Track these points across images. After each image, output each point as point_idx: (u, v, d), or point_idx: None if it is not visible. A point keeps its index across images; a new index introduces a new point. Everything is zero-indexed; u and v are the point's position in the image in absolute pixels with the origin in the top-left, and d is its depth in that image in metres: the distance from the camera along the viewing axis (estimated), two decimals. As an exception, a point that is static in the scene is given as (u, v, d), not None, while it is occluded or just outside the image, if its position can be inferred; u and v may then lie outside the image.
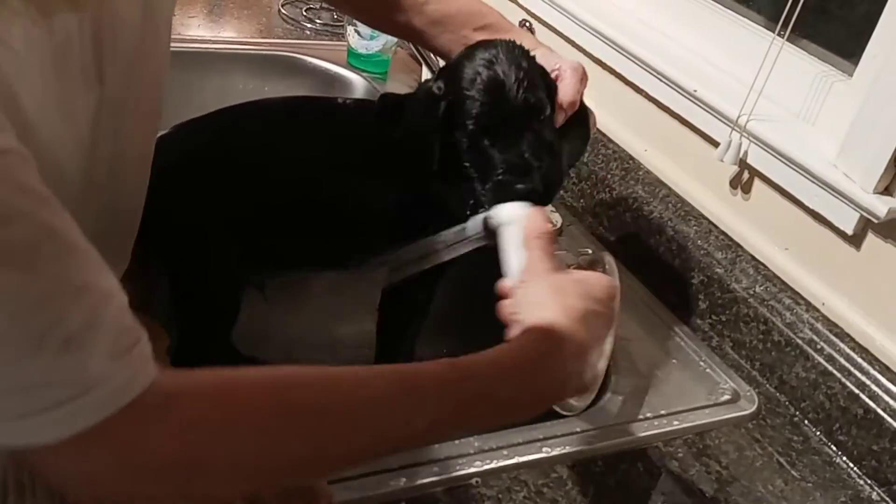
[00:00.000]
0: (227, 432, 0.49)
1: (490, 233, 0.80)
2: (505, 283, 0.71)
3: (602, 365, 0.74)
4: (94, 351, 0.45)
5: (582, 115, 0.93)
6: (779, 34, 1.05)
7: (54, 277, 0.44)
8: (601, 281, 0.70)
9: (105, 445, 0.46)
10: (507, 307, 0.68)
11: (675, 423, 0.93)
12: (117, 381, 0.45)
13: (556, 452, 0.85)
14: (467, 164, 0.88)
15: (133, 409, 0.45)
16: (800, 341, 0.99)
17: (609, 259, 1.07)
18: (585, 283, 0.68)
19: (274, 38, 1.68)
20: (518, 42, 0.91)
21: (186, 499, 0.50)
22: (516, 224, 0.75)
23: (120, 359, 0.46)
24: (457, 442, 0.84)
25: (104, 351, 0.45)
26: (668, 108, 1.19)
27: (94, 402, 0.44)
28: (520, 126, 0.86)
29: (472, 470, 0.81)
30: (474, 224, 0.83)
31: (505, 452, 0.84)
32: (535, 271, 0.69)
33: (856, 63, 1.02)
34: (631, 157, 1.25)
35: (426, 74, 1.52)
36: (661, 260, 1.16)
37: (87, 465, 0.46)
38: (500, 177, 0.85)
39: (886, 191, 0.94)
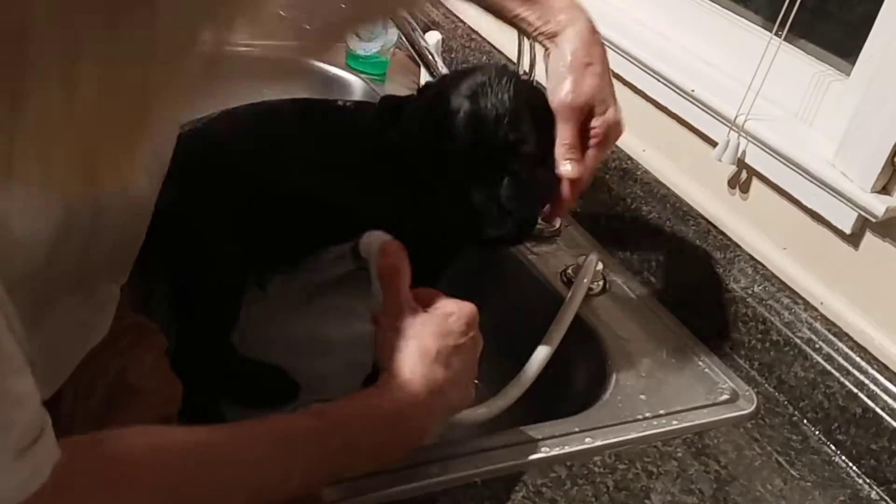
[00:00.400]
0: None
1: (359, 259, 0.80)
2: (373, 313, 0.74)
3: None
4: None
5: None
6: (776, 34, 1.05)
7: None
8: (456, 311, 0.72)
9: None
10: (375, 342, 0.71)
11: (674, 422, 0.93)
12: (21, 478, 0.47)
13: (554, 452, 0.85)
14: (450, 191, 0.88)
15: (37, 496, 0.47)
16: (798, 341, 0.99)
17: (592, 258, 1.07)
18: (439, 320, 0.71)
19: (272, 40, 1.68)
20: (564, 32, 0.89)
21: None
22: (374, 257, 0.76)
23: (23, 457, 0.47)
24: (456, 442, 0.84)
25: (9, 453, 0.46)
26: (666, 109, 1.19)
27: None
28: (498, 165, 0.85)
29: (472, 471, 0.81)
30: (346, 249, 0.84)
31: (504, 452, 0.84)
32: (390, 312, 0.71)
33: (853, 63, 1.02)
34: (629, 158, 1.25)
35: (424, 76, 1.52)
36: (659, 260, 1.16)
37: None
38: (473, 218, 0.85)
39: (884, 190, 0.94)
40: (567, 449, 0.86)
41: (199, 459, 0.56)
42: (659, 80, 1.19)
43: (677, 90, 1.16)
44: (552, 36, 0.90)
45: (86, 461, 0.52)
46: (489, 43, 1.54)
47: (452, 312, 0.72)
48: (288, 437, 0.60)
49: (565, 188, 0.88)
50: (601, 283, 1.13)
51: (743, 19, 1.19)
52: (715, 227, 1.13)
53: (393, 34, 1.60)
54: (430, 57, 1.37)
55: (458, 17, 1.64)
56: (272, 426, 0.61)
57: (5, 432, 0.46)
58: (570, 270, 1.13)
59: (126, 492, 0.52)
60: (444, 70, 1.37)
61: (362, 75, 1.60)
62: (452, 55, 1.61)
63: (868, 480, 0.92)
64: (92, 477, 0.52)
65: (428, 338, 0.69)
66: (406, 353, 0.68)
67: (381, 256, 0.75)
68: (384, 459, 0.69)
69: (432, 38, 1.52)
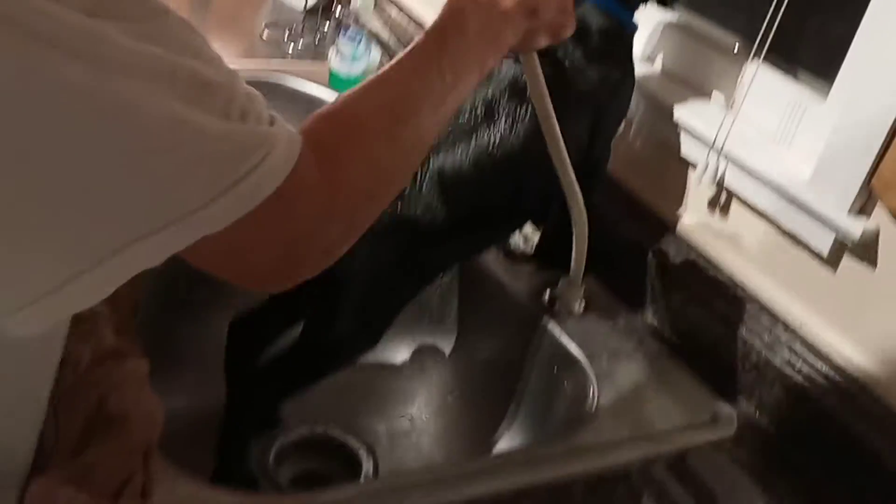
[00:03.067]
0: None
1: None
2: None
3: None
4: (260, 119, 0.50)
5: None
6: (755, 55, 1.06)
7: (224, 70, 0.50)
8: None
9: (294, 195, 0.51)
10: None
11: (656, 444, 0.93)
12: (284, 137, 0.51)
13: (538, 475, 0.85)
14: None
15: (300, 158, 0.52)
16: (778, 362, 1.00)
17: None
18: None
19: (256, 60, 1.69)
20: None
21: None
22: None
23: (273, 122, 0.52)
24: (439, 466, 0.84)
25: (264, 118, 0.51)
26: (645, 130, 1.20)
27: (279, 157, 0.50)
28: None
29: (455, 496, 0.81)
30: None
31: (487, 477, 0.84)
32: None
33: (830, 84, 1.03)
34: (610, 180, 1.25)
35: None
36: (639, 281, 1.17)
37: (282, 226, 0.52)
38: None
39: (861, 212, 0.95)
40: (550, 473, 0.86)
41: (397, 97, 0.64)
42: (639, 102, 1.19)
43: (657, 111, 1.16)
44: None
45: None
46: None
47: None
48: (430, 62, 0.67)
49: None
50: (583, 303, 1.13)
51: (723, 40, 1.20)
52: (696, 248, 1.14)
53: (377, 54, 1.61)
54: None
55: (440, 38, 1.65)
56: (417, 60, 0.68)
57: (254, 99, 0.51)
58: (546, 295, 1.13)
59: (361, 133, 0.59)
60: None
61: (346, 96, 1.60)
62: (435, 76, 1.61)
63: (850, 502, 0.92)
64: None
65: None
66: None
67: None
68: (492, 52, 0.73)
69: (415, 59, 1.53)
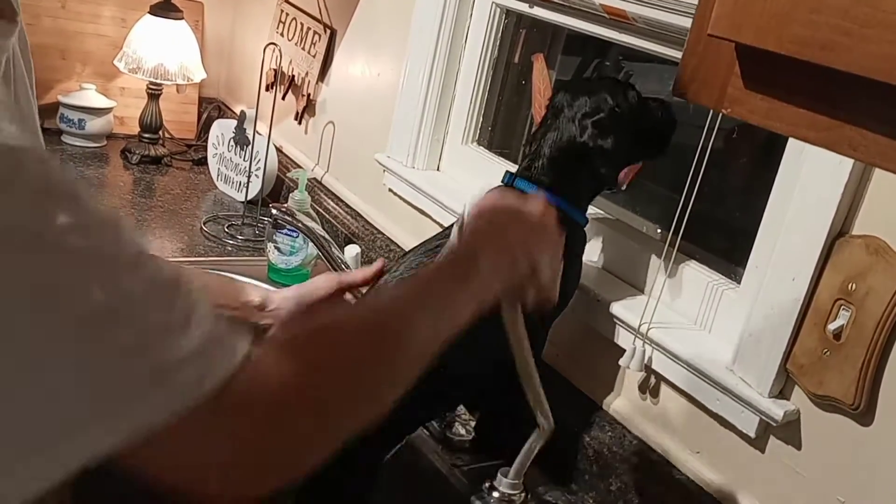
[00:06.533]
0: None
1: None
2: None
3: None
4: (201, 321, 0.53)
5: None
6: (669, 244, 1.12)
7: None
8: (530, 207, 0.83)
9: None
10: None
11: None
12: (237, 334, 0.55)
13: None
14: None
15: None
16: (717, 548, 1.00)
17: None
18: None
19: (196, 255, 1.71)
20: None
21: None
22: None
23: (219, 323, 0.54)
24: None
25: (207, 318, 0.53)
26: (574, 317, 1.23)
27: (222, 355, 0.52)
28: None
29: None
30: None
31: None
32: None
33: (744, 271, 1.09)
34: (545, 365, 1.27)
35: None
36: (578, 468, 1.17)
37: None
38: None
39: (781, 394, 0.98)
40: None
41: (372, 334, 0.65)
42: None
43: (584, 299, 1.21)
44: None
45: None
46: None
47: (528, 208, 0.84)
48: (424, 299, 0.71)
49: None
50: (523, 495, 1.12)
51: (642, 230, 1.26)
52: (630, 432, 1.15)
53: (314, 247, 1.65)
54: (345, 270, 1.41)
55: (376, 229, 1.70)
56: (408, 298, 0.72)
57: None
58: (486, 486, 1.12)
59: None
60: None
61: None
62: (372, 265, 1.65)
63: None
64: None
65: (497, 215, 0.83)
66: (475, 224, 0.81)
67: None
68: (476, 297, 0.74)
69: (352, 252, 1.57)
